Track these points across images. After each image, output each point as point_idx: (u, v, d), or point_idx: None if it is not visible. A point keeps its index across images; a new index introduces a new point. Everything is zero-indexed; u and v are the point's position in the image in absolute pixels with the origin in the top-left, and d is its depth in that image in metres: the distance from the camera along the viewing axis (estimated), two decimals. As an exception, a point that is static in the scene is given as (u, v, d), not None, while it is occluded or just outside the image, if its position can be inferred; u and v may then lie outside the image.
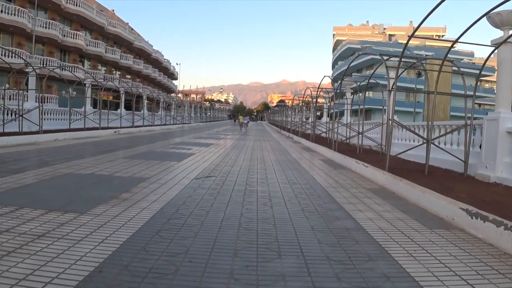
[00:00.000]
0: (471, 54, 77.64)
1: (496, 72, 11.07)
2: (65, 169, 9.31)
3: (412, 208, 6.87)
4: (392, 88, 10.44)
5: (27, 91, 21.84)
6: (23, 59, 23.90)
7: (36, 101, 22.01)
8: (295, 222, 5.56)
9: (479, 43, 10.62)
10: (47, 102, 37.27)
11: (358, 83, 20.24)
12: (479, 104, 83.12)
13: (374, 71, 16.31)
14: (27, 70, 20.79)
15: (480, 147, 10.80)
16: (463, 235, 5.38)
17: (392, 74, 17.92)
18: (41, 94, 20.10)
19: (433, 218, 6.24)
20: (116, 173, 9.12)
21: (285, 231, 5.11)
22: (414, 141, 14.08)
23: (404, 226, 5.64)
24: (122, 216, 5.35)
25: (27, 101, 21.53)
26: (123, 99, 35.12)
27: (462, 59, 66.04)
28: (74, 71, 35.09)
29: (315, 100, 32.19)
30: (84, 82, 27.69)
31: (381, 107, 48.26)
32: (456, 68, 12.16)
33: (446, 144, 12.18)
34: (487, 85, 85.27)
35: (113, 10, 63.46)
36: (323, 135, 26.70)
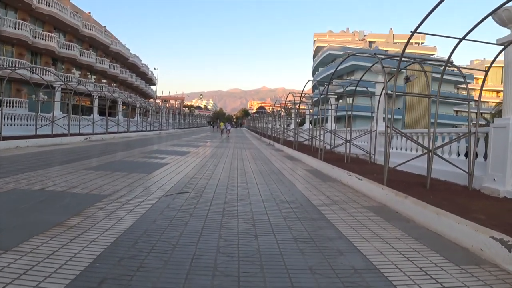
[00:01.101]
0: (450, 62, 77.96)
1: (503, 74, 10.04)
2: (10, 184, 7.85)
3: (425, 234, 5.69)
4: (391, 91, 9.27)
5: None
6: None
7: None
8: (288, 260, 4.28)
9: (483, 41, 9.60)
10: (14, 106, 35.27)
11: (345, 87, 19.17)
12: (457, 112, 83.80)
13: (363, 76, 15.26)
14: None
15: (485, 157, 9.77)
16: (500, 273, 4.22)
17: (381, 78, 16.96)
18: (0, 98, 18.25)
19: (454, 248, 5.07)
20: (71, 189, 7.71)
21: (276, 275, 3.84)
22: (412, 150, 12.96)
23: (425, 262, 4.44)
24: (57, 256, 3.99)
25: (-13, 105, 19.75)
26: (96, 104, 33.38)
27: (441, 65, 66.00)
28: (43, 74, 33.22)
29: (297, 106, 31.15)
30: (53, 85, 25.98)
31: (363, 114, 47.45)
32: (455, 70, 11.14)
33: (444, 153, 11.12)
34: (464, 92, 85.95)
35: (89, 13, 61.43)
36: (306, 142, 25.56)
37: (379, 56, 10.84)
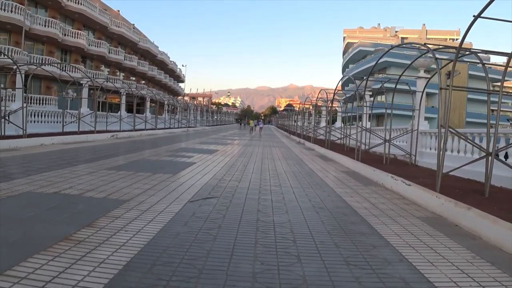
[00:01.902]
0: (487, 59, 75.04)
1: None
2: (25, 186, 7.21)
3: (501, 257, 4.67)
4: (447, 86, 8.17)
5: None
6: (7, 56, 21.89)
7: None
8: (344, 294, 3.38)
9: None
10: (44, 103, 35.47)
11: (383, 83, 18.01)
12: (492, 110, 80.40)
13: (404, 70, 14.12)
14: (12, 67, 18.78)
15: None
16: None
17: (423, 73, 15.77)
18: (25, 94, 17.96)
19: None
20: (88, 192, 6.99)
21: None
22: (466, 153, 11.67)
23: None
24: (55, 285, 3.20)
25: (14, 101, 19.53)
26: (123, 101, 33.10)
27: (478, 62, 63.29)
28: (71, 71, 33.20)
29: (329, 103, 30.08)
30: (81, 82, 25.72)
31: (397, 112, 45.88)
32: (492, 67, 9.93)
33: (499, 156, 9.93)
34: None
35: (118, 11, 61.68)
36: (338, 141, 24.42)
37: (429, 45, 9.70)
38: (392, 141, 15.34)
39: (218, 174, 10.53)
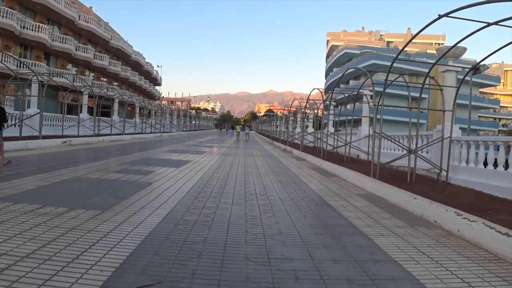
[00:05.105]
0: (474, 62, 73.10)
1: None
2: None
3: None
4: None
5: None
6: None
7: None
8: None
9: None
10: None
11: (388, 84, 14.48)
12: (480, 117, 78.36)
13: (433, 66, 10.54)
14: None
15: None
16: None
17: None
18: None
19: None
20: None
21: None
22: None
23: None
24: None
25: None
26: (85, 101, 28.91)
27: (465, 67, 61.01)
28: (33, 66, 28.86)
29: (320, 105, 26.75)
30: (20, 77, 21.52)
31: (395, 118, 42.77)
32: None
33: None
34: (486, 95, 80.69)
35: (91, 7, 57.16)
36: (331, 149, 20.74)
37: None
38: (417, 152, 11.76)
39: (180, 206, 6.71)
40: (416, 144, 11.38)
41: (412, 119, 11.91)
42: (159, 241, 4.61)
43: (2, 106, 11.85)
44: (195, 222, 5.67)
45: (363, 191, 9.82)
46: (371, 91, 19.62)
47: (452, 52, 11.65)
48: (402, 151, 12.75)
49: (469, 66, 14.19)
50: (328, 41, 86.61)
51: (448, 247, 5.14)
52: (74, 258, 3.84)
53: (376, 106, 11.95)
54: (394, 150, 15.27)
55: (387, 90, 12.01)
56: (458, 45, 10.17)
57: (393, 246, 5.02)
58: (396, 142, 12.53)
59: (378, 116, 11.72)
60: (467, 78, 17.20)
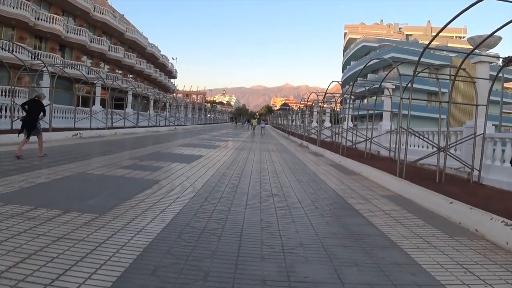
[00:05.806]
0: (497, 56, 70.95)
1: None
2: None
3: None
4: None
5: None
6: None
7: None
8: None
9: None
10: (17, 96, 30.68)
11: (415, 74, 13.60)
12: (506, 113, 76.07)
13: (465, 58, 9.64)
14: None
15: None
16: None
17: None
18: None
19: None
20: None
21: None
22: None
23: None
24: None
25: None
26: (98, 93, 28.44)
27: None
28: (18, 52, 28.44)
29: (338, 98, 25.93)
30: (31, 67, 21.08)
31: (416, 113, 41.64)
32: None
33: None
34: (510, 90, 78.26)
35: (106, -1, 56.85)
36: (350, 144, 19.88)
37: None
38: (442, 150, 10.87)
39: (187, 209, 6.01)
40: (446, 141, 10.49)
41: (434, 115, 11.03)
42: (158, 256, 3.91)
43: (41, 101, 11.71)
44: (203, 230, 4.96)
45: (389, 192, 9.01)
46: (393, 84, 18.70)
47: (487, 42, 10.71)
48: (429, 148, 11.88)
49: (502, 57, 13.22)
50: (345, 34, 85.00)
51: (500, 265, 4.36)
52: (52, 280, 3.15)
53: (402, 100, 11.05)
54: (419, 147, 14.37)
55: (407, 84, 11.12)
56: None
57: (435, 264, 4.25)
58: (424, 139, 11.62)
59: (404, 111, 10.86)
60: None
